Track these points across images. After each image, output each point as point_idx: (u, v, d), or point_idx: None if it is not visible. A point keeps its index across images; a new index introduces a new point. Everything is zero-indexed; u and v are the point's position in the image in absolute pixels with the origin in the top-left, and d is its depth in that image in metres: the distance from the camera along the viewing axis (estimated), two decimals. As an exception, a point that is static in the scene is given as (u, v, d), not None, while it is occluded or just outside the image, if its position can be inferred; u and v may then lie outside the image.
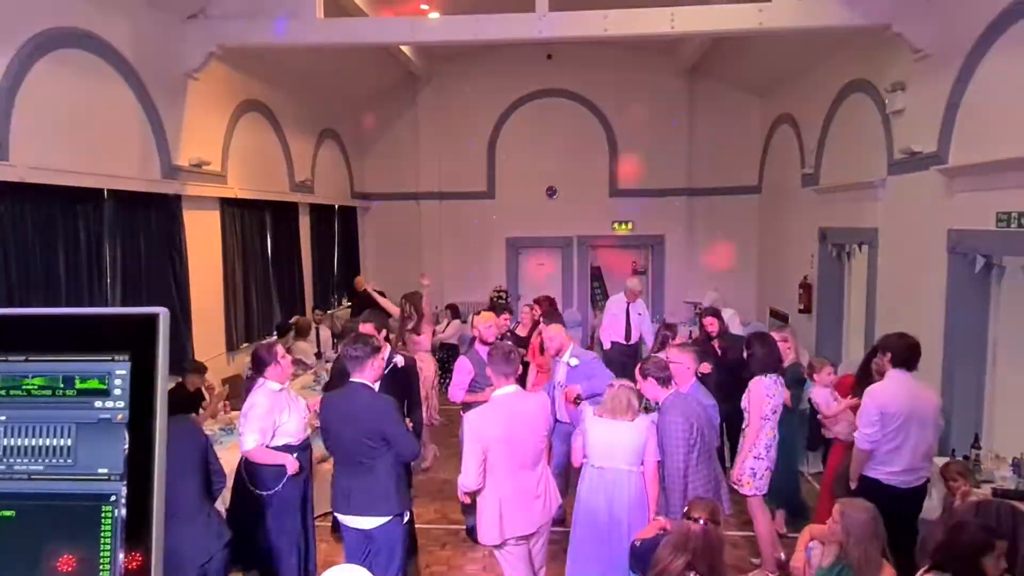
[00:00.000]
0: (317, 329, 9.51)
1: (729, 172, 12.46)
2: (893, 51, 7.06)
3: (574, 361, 5.65)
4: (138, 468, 0.86)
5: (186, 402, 6.47)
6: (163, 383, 0.87)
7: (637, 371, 4.63)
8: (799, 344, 6.58)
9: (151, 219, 6.75)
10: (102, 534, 0.85)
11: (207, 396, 6.82)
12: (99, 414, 0.87)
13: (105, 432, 0.87)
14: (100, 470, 0.86)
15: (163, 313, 0.87)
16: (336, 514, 4.35)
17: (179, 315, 7.08)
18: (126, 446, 0.86)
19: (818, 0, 6.82)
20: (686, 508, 3.56)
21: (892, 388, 4.58)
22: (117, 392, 0.87)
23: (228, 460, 5.50)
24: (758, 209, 12.40)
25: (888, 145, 7.45)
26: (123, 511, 0.85)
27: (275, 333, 9.07)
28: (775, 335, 5.95)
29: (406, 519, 4.32)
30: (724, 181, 12.50)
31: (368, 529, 4.15)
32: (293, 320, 9.14)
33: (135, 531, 0.85)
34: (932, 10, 6.53)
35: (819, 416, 5.96)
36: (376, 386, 4.38)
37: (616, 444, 4.25)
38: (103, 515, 0.85)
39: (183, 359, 6.94)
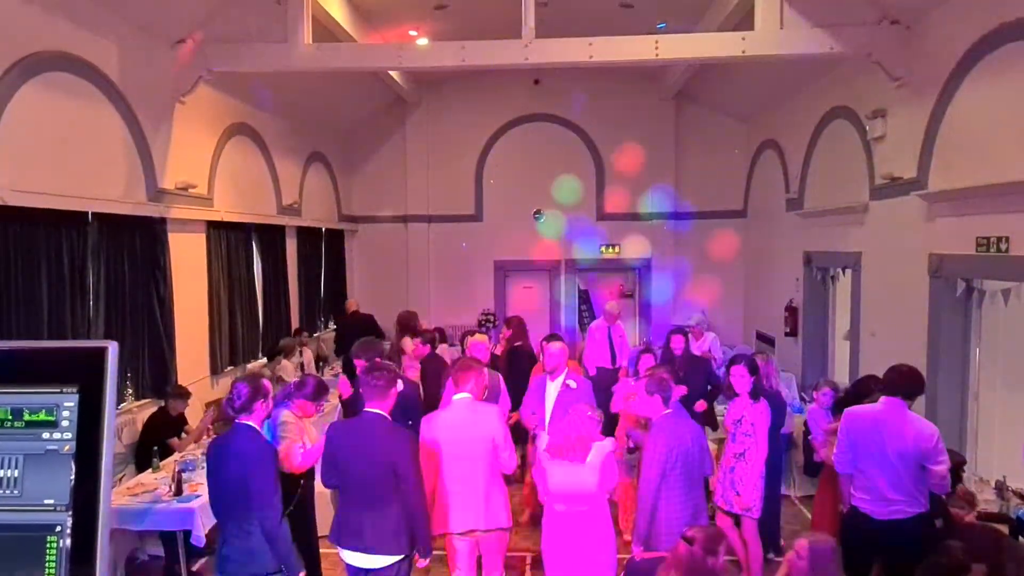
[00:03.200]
0: (301, 351, 9.46)
1: (715, 197, 12.57)
2: (873, 79, 7.18)
3: (572, 383, 5.65)
4: (84, 499, 0.85)
5: (168, 427, 6.42)
6: (110, 415, 0.87)
7: (642, 387, 4.56)
8: (776, 370, 6.57)
9: (136, 242, 6.74)
10: (47, 565, 0.85)
11: (189, 421, 6.77)
12: (46, 445, 0.88)
13: (52, 463, 0.87)
14: (46, 501, 0.86)
15: (112, 347, 0.87)
16: (343, 549, 4.09)
17: (163, 338, 7.03)
18: (72, 477, 0.86)
19: (799, 29, 6.94)
20: (686, 530, 3.47)
21: (863, 412, 4.49)
22: (65, 424, 0.87)
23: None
24: (744, 233, 12.50)
25: (870, 171, 7.56)
26: (68, 541, 0.85)
27: (265, 358, 9.02)
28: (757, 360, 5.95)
29: (416, 558, 4.17)
30: (710, 205, 12.61)
31: (376, 568, 4.00)
32: (282, 343, 9.07)
33: (80, 562, 0.84)
34: (910, 39, 6.67)
35: (809, 438, 5.95)
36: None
37: (577, 486, 4.21)
38: (48, 545, 0.85)
39: (166, 383, 6.89)
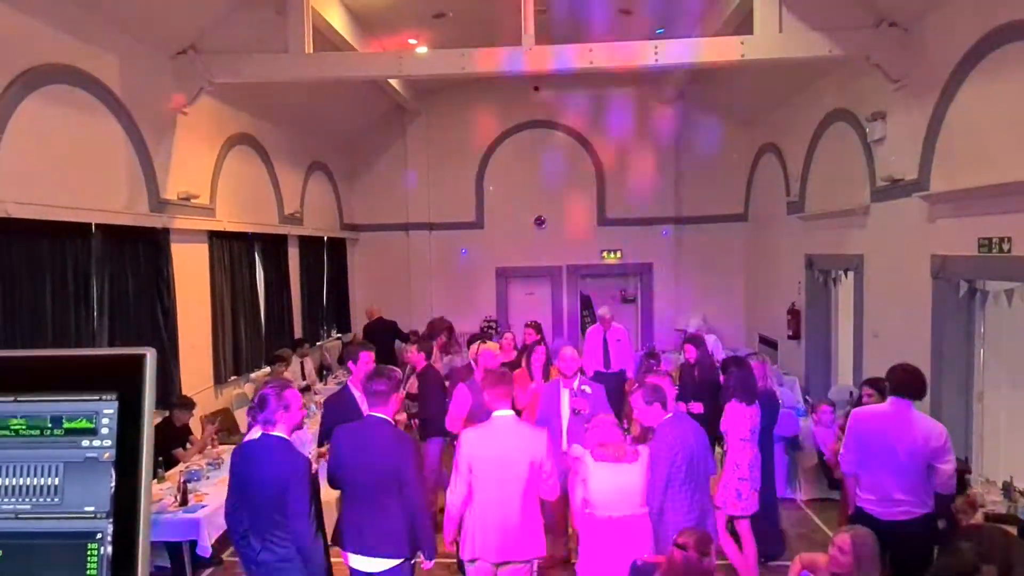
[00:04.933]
0: (302, 362, 9.45)
1: (716, 200, 12.60)
2: (873, 81, 7.20)
3: (587, 388, 5.63)
4: (124, 506, 0.86)
5: (173, 437, 6.41)
6: (149, 421, 0.88)
7: (640, 397, 4.55)
8: (771, 371, 6.57)
9: (139, 253, 6.74)
10: (88, 572, 0.85)
11: (193, 431, 6.76)
12: (86, 453, 0.88)
13: (92, 470, 0.88)
14: (87, 508, 0.87)
15: (150, 353, 0.88)
16: (346, 553, 4.11)
17: (167, 349, 7.03)
18: (113, 484, 0.87)
19: (798, 32, 6.96)
20: (676, 536, 3.53)
21: (873, 413, 4.49)
22: (104, 431, 0.88)
23: (219, 494, 5.47)
24: (745, 237, 12.52)
25: (871, 173, 7.57)
26: (109, 549, 0.86)
27: (268, 367, 8.99)
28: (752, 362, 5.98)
29: (420, 561, 4.14)
30: (711, 209, 12.63)
31: (377, 572, 3.99)
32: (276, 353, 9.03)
33: (121, 569, 0.85)
34: (909, 42, 6.69)
35: (825, 458, 5.97)
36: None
37: (625, 488, 4.09)
38: (89, 553, 0.86)
39: (170, 394, 6.88)
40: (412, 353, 6.96)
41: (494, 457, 4.07)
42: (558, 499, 4.72)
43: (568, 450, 4.88)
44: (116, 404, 0.88)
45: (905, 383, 4.40)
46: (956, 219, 6.02)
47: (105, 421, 0.89)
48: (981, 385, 6.15)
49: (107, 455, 0.88)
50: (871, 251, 7.67)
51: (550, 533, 5.36)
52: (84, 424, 0.89)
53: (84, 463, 0.89)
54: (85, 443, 0.89)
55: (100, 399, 0.89)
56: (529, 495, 4.13)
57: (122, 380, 0.88)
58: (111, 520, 0.87)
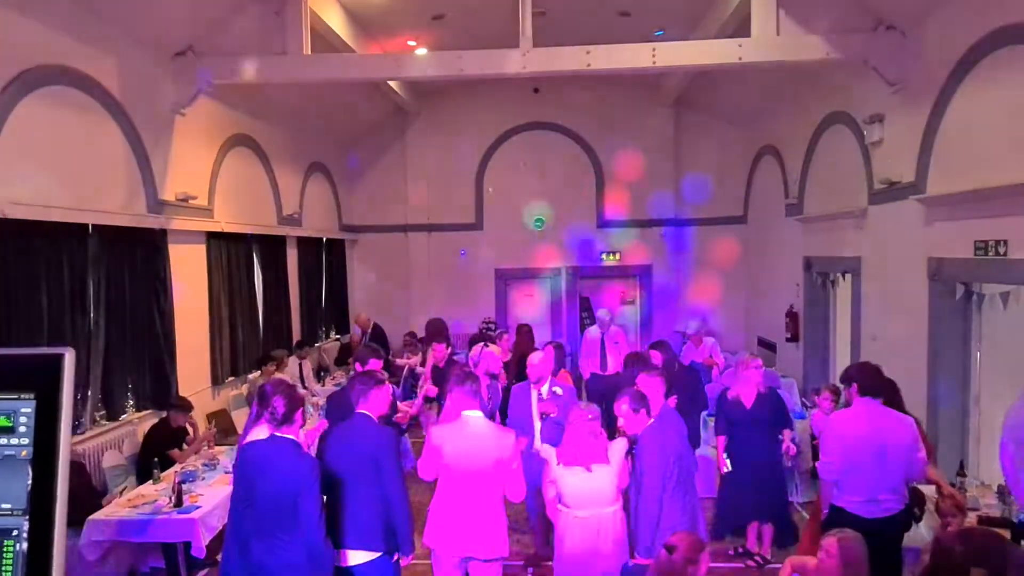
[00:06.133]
0: (300, 363, 9.46)
1: (715, 202, 12.58)
2: (871, 84, 7.19)
3: (558, 390, 5.66)
4: (41, 503, 0.87)
5: (169, 438, 6.42)
6: (67, 421, 0.89)
7: (627, 404, 4.53)
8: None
9: (136, 254, 6.76)
10: (3, 568, 0.86)
11: (191, 432, 6.77)
12: (4, 451, 0.89)
13: (9, 468, 0.89)
14: (3, 505, 0.88)
15: (69, 353, 0.89)
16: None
17: (164, 349, 7.05)
18: (29, 481, 0.88)
19: (795, 35, 6.95)
20: (670, 537, 3.50)
21: (851, 416, 4.50)
22: (22, 429, 0.89)
23: (214, 495, 5.48)
24: (744, 239, 12.50)
25: (868, 175, 7.56)
26: (25, 545, 0.86)
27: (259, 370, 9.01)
28: (750, 363, 5.96)
29: (398, 559, 4.14)
30: (710, 211, 12.62)
31: (356, 565, 4.00)
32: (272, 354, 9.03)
33: (37, 565, 0.85)
34: (906, 45, 6.67)
35: (815, 443, 5.97)
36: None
37: (593, 490, 4.15)
38: (5, 549, 0.86)
39: (168, 394, 6.90)
40: (436, 347, 7.07)
41: (461, 454, 4.12)
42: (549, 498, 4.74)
43: (539, 450, 4.91)
44: (34, 403, 0.89)
45: (876, 383, 4.47)
46: (953, 222, 6.00)
47: (23, 420, 0.89)
48: (977, 387, 6.13)
49: (24, 453, 0.89)
50: (869, 253, 7.66)
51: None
52: (2, 422, 0.90)
53: (2, 461, 0.89)
54: (3, 441, 0.90)
55: (19, 398, 0.90)
56: (494, 495, 4.16)
57: (40, 380, 0.89)
58: (27, 517, 0.88)
